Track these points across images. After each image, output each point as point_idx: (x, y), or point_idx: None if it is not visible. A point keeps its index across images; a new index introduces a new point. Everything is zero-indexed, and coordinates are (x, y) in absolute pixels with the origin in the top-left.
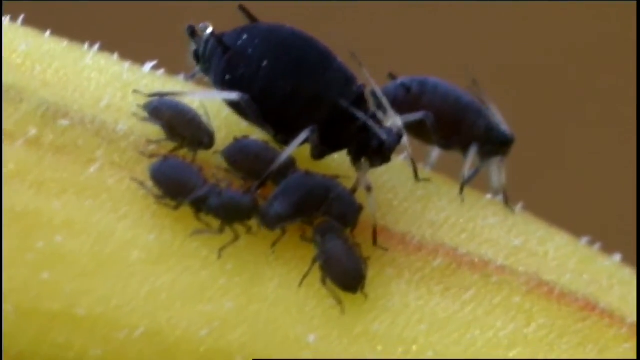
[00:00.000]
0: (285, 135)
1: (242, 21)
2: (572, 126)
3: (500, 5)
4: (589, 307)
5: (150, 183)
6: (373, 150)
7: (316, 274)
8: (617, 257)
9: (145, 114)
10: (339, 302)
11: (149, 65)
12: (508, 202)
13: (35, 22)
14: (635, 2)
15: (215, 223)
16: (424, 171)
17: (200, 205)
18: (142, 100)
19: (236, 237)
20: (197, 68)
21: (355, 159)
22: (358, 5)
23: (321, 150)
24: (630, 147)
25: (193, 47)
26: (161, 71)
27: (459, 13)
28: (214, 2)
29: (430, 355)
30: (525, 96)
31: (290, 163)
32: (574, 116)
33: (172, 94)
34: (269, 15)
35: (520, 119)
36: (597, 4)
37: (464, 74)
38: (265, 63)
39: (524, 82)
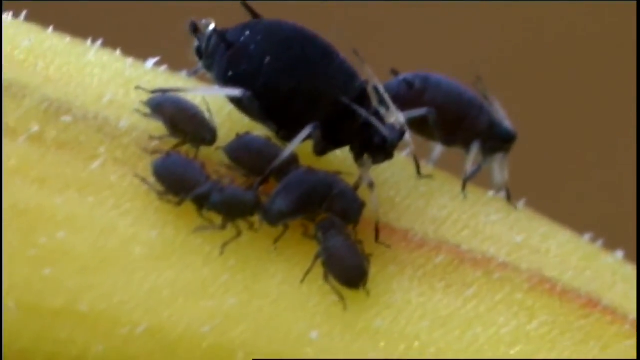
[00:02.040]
0: (287, 131)
1: (244, 17)
2: (574, 123)
3: (502, 3)
4: (592, 304)
5: (152, 179)
6: (375, 147)
7: (319, 270)
8: (620, 254)
9: (147, 110)
10: (341, 298)
11: (151, 62)
12: (510, 198)
13: (38, 18)
14: (635, 2)
15: (218, 219)
16: (427, 168)
17: (202, 202)
18: (145, 97)
19: (238, 234)
20: (200, 64)
21: (358, 156)
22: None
23: (323, 146)
24: (632, 144)
25: (195, 43)
26: (164, 67)
27: (462, 9)
28: None
29: (432, 351)
30: (527, 94)
31: (293, 159)
32: (576, 113)
33: (175, 90)
34: (271, 11)
35: (523, 115)
36: (597, 4)
37: (467, 70)
38: (267, 59)
39: (526, 80)
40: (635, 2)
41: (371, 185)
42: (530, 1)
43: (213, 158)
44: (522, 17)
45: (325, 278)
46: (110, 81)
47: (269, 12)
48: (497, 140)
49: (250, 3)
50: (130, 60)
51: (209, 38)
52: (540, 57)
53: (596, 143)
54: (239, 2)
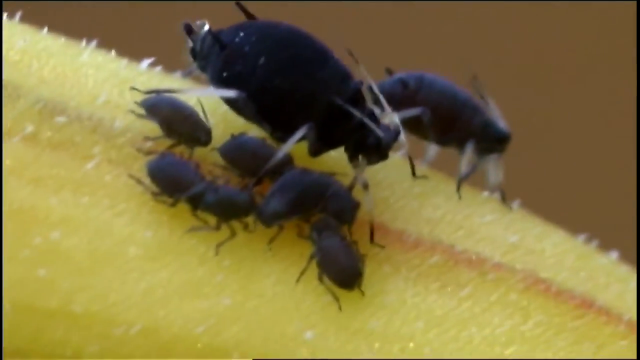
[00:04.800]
0: (282, 132)
1: (239, 18)
2: (570, 123)
3: (500, 4)
4: (586, 304)
5: (147, 180)
6: (370, 148)
7: (314, 270)
8: (614, 255)
9: (142, 111)
10: (336, 299)
11: (146, 62)
12: (505, 199)
13: (33, 19)
14: (635, 2)
15: (212, 220)
16: (421, 168)
17: (197, 202)
18: (140, 97)
19: (233, 234)
20: (194, 65)
21: (352, 156)
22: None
23: (318, 147)
24: (629, 145)
25: (190, 44)
26: (158, 68)
27: (458, 8)
28: None
29: (427, 352)
30: (523, 94)
31: (287, 160)
32: (572, 114)
33: (169, 91)
34: (266, 12)
35: (518, 115)
36: (597, 4)
37: (463, 69)
38: (262, 60)
39: (522, 80)
40: (635, 2)
41: (365, 186)
42: (528, 1)
43: (208, 159)
44: (519, 19)
45: (320, 278)
46: (105, 82)
47: (263, 13)
48: (492, 141)
49: (244, 4)
50: (124, 61)
51: (203, 39)
52: (538, 58)
53: (591, 143)
54: (233, 3)
